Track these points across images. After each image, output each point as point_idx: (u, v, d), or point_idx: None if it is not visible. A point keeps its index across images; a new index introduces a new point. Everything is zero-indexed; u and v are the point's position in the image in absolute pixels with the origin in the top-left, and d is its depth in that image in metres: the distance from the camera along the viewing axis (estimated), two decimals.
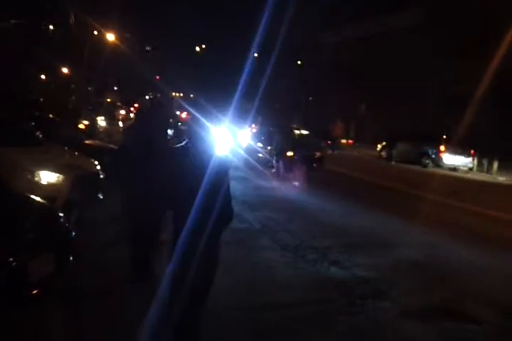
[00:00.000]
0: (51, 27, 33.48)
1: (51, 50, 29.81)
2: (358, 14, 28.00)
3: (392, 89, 24.11)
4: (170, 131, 7.77)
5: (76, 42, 27.34)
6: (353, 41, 29.18)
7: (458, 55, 19.77)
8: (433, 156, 16.79)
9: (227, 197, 2.84)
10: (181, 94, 57.24)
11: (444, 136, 16.95)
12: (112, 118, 18.56)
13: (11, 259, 3.26)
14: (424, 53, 22.00)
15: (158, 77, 49.94)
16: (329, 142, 20.67)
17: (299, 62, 38.15)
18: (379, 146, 19.92)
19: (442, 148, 16.61)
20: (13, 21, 32.06)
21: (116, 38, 27.38)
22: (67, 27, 28.33)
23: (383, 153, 19.31)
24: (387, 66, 24.60)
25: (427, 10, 23.26)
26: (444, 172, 15.90)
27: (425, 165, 16.90)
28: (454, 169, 16.65)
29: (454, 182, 13.85)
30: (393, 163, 18.03)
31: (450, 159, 16.66)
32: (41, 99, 17.15)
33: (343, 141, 21.72)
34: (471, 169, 16.80)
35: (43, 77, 35.01)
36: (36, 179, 5.89)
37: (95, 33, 27.65)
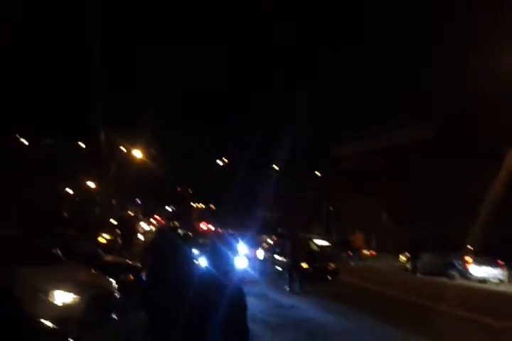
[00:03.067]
0: (82, 144, 35.93)
1: (80, 166, 31.64)
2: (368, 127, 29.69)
3: (412, 197, 24.31)
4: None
5: (104, 158, 28.90)
6: (369, 152, 30.27)
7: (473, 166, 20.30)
8: (459, 267, 16.15)
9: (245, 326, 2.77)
10: (202, 205, 58.46)
11: (469, 246, 16.48)
12: (131, 232, 18.79)
13: None
14: (440, 163, 22.62)
15: (179, 189, 51.53)
16: (350, 253, 20.26)
17: (317, 173, 39.33)
18: (402, 257, 19.37)
19: (468, 258, 16.04)
20: (48, 141, 34.67)
21: (143, 153, 28.83)
22: (96, 144, 30.18)
23: (408, 265, 18.71)
24: (405, 175, 25.18)
25: (437, 126, 24.49)
26: (472, 285, 15.14)
27: (452, 277, 16.18)
28: (484, 281, 15.82)
29: (484, 297, 13.14)
30: (419, 275, 17.35)
31: (477, 270, 15.93)
32: (65, 214, 17.69)
33: (365, 251, 21.25)
34: (501, 281, 15.92)
35: (69, 191, 36.57)
36: (50, 299, 5.84)
37: (123, 149, 29.26)
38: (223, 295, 2.76)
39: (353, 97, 31.82)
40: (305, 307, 10.26)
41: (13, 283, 5.23)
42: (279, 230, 27.21)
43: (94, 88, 25.30)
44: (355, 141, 32.10)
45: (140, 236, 22.24)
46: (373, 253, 22.45)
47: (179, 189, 51.00)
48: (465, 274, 15.94)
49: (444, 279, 16.13)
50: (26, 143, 30.72)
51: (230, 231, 30.23)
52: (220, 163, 51.66)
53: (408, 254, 18.77)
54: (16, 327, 4.08)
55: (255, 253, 16.92)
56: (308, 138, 36.60)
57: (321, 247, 17.47)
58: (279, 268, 15.15)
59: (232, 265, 2.96)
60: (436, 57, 23.97)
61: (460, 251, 16.43)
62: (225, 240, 3.13)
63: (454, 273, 16.20)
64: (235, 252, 3.07)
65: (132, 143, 28.29)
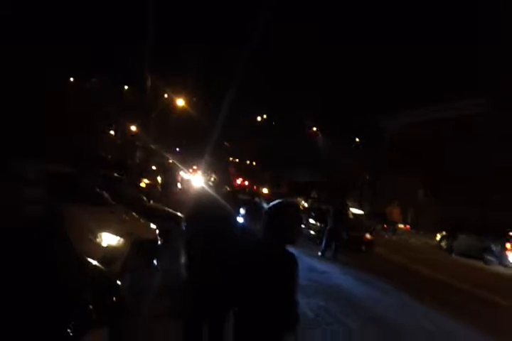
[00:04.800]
0: (126, 87, 36.04)
1: (123, 108, 31.89)
2: (417, 99, 28.54)
3: (453, 176, 23.51)
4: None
5: (147, 104, 28.97)
6: (414, 125, 29.21)
7: None
8: (497, 254, 15.63)
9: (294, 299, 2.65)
10: (237, 160, 58.67)
11: (511, 233, 15.84)
12: (171, 180, 18.99)
13: (66, 332, 3.09)
14: (490, 140, 21.63)
15: (218, 142, 51.47)
16: (386, 226, 19.98)
17: (357, 140, 38.47)
18: (438, 236, 18.95)
19: (508, 245, 15.48)
20: (93, 80, 34.86)
21: (185, 103, 28.67)
22: (141, 88, 30.20)
23: (443, 244, 18.32)
24: (448, 152, 24.30)
25: (490, 100, 23.20)
26: (509, 273, 14.70)
27: (488, 263, 15.72)
28: None
29: None
30: (453, 255, 16.98)
31: None
32: (109, 157, 17.94)
33: (401, 226, 20.90)
34: None
35: (111, 132, 37.18)
36: (98, 240, 5.89)
37: (165, 96, 29.18)
38: (276, 261, 2.59)
39: (406, 66, 30.56)
40: (336, 274, 10.25)
41: (63, 220, 5.24)
42: (314, 194, 27.07)
43: (144, 32, 25.02)
44: (401, 112, 31.00)
45: (179, 185, 22.55)
46: (408, 228, 22.11)
47: (218, 142, 50.98)
48: (503, 261, 15.44)
49: (479, 263, 15.74)
50: (72, 80, 30.88)
51: (265, 191, 30.39)
52: (259, 119, 51.14)
53: (445, 233, 18.35)
54: (65, 264, 4.09)
55: None
56: (355, 104, 35.63)
57: (357, 216, 17.26)
58: (313, 232, 15.09)
59: (291, 230, 2.74)
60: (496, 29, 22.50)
61: (500, 237, 15.85)
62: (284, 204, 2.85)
63: (491, 258, 15.72)
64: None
65: (176, 92, 28.17)
